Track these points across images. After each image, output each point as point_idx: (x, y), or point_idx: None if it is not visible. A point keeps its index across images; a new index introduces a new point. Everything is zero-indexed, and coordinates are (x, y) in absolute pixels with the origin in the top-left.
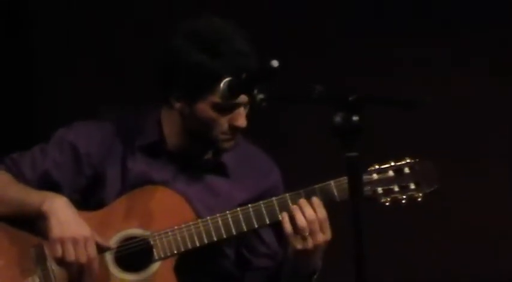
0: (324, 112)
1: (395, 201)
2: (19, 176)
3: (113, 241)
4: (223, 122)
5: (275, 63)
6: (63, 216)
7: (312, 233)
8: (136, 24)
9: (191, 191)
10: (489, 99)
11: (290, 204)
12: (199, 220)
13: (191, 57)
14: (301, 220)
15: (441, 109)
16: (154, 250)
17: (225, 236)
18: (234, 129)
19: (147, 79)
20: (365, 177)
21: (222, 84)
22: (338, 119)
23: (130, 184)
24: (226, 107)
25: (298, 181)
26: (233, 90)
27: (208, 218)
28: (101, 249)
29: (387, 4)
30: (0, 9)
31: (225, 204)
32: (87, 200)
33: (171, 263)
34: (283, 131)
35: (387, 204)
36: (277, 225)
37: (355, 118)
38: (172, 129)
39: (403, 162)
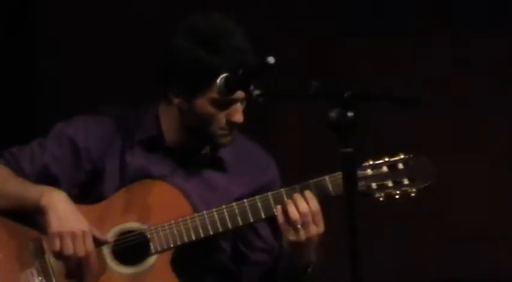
0: (321, 108)
1: (389, 197)
2: (18, 170)
3: (111, 235)
4: (221, 118)
5: (271, 59)
6: (62, 210)
7: (304, 225)
8: (134, 21)
9: (189, 185)
10: (488, 98)
11: (285, 199)
12: (196, 214)
13: (190, 53)
14: (293, 212)
15: (440, 107)
16: (151, 244)
17: (221, 230)
18: (231, 125)
19: (146, 76)
20: (359, 172)
21: (218, 80)
22: (333, 114)
23: (129, 178)
24: (223, 103)
25: (294, 176)
26: (230, 86)
27: (204, 212)
28: (99, 243)
29: (386, 4)
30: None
31: (222, 199)
32: (86, 194)
33: (167, 256)
34: (281, 126)
35: (381, 199)
36: (273, 220)
37: (350, 114)
38: (171, 124)
39: (397, 158)
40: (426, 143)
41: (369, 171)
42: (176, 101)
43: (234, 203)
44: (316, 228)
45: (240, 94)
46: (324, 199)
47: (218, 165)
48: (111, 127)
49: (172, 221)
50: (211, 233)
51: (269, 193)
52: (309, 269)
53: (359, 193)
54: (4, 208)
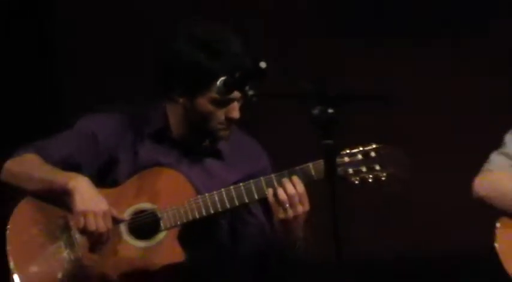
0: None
1: (363, 180)
2: (47, 159)
3: (126, 214)
4: (220, 115)
5: (263, 64)
6: (86, 193)
7: (292, 205)
8: (146, 30)
9: (192, 172)
10: (463, 96)
11: (275, 182)
12: (199, 196)
13: (192, 58)
14: (282, 195)
15: (418, 105)
16: (161, 221)
17: (220, 210)
18: (229, 121)
19: (154, 77)
20: (338, 160)
21: (218, 82)
22: (316, 111)
23: (140, 166)
24: (222, 102)
25: (284, 164)
26: (228, 87)
27: (206, 194)
28: (116, 221)
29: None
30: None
31: (220, 184)
32: (103, 179)
33: (175, 232)
34: (274, 124)
35: (356, 182)
36: (264, 201)
37: (330, 111)
38: (176, 120)
39: (370, 147)
40: (398, 133)
41: (346, 159)
42: (180, 100)
43: (231, 187)
44: (302, 208)
45: (236, 94)
46: (309, 183)
47: (217, 155)
48: (125, 122)
49: (179, 202)
50: (212, 212)
51: (261, 178)
52: (297, 245)
53: (338, 177)
54: (37, 191)
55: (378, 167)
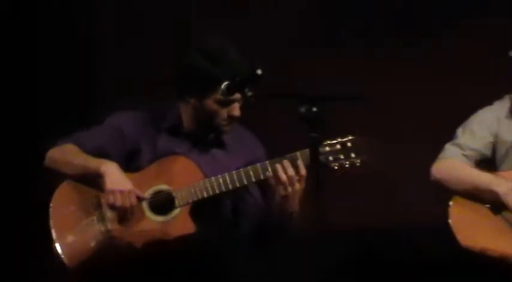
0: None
1: (341, 166)
2: (82, 148)
3: (147, 193)
4: (224, 113)
5: (259, 71)
6: (114, 175)
7: (291, 183)
8: (167, 43)
9: (201, 159)
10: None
11: (269, 167)
12: (207, 179)
13: (200, 66)
14: (282, 175)
15: (383, 102)
16: (175, 200)
17: (224, 190)
18: (231, 118)
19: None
20: (321, 149)
21: (222, 86)
22: (303, 109)
23: (158, 155)
24: (225, 102)
25: (276, 152)
26: (230, 90)
27: (213, 178)
28: (139, 199)
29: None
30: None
31: (224, 169)
32: (128, 165)
33: (187, 209)
34: (269, 120)
35: (336, 167)
36: (261, 183)
37: (314, 109)
38: (188, 117)
39: (347, 139)
40: (370, 127)
41: (327, 148)
42: (191, 101)
43: (233, 172)
44: (299, 185)
45: (237, 96)
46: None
47: (221, 145)
48: (146, 119)
49: (191, 184)
50: (217, 192)
51: (258, 164)
52: (294, 215)
53: (320, 163)
54: (74, 175)
55: (353, 155)
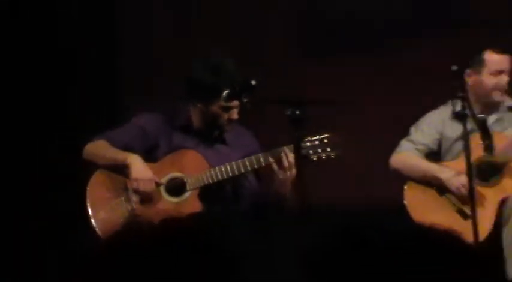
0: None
1: (319, 158)
2: (112, 143)
3: (164, 179)
4: (225, 116)
5: (253, 82)
6: (138, 166)
7: (289, 168)
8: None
9: (207, 153)
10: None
11: (262, 159)
12: (212, 168)
13: (205, 79)
14: (285, 161)
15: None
16: (187, 185)
17: (225, 177)
18: (231, 120)
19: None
20: (302, 144)
21: (224, 94)
22: (288, 112)
23: (173, 148)
24: (226, 108)
25: (267, 147)
26: (230, 97)
27: (216, 167)
28: (158, 184)
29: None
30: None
31: (226, 161)
32: (149, 157)
33: (196, 192)
34: (262, 120)
35: (314, 159)
36: (256, 171)
37: (297, 112)
38: (196, 118)
39: (324, 136)
40: (346, 128)
41: (308, 144)
42: (199, 105)
43: (233, 162)
44: (294, 171)
45: (235, 103)
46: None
47: (223, 141)
48: (163, 119)
49: (199, 172)
50: (220, 178)
51: (253, 156)
52: (287, 195)
53: (302, 156)
54: (106, 165)
55: (329, 149)
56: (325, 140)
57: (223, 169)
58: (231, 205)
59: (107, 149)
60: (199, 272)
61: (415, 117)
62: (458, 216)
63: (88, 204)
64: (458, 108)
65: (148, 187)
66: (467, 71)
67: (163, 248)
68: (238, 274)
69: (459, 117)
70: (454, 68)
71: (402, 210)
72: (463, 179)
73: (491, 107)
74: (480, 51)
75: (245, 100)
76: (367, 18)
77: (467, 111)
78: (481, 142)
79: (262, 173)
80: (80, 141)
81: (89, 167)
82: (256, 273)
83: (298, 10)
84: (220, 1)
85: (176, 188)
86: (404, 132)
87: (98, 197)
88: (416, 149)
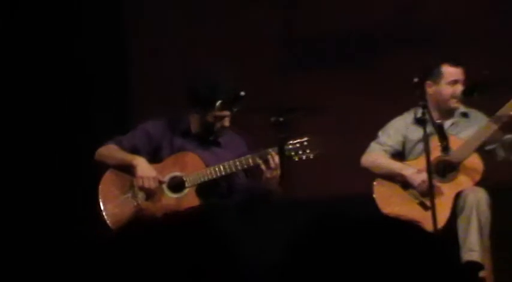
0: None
1: (300, 158)
2: (121, 147)
3: (165, 178)
4: (218, 124)
5: (242, 93)
6: (143, 166)
7: (276, 168)
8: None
9: (203, 154)
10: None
11: (250, 160)
12: (208, 168)
13: (202, 92)
14: (272, 162)
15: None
16: (186, 182)
17: (219, 175)
18: (223, 127)
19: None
20: (286, 147)
21: (217, 104)
22: (273, 118)
23: (174, 151)
24: (219, 116)
25: (255, 148)
26: (223, 107)
27: (212, 167)
28: (160, 182)
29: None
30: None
31: (220, 161)
32: (153, 158)
33: (194, 188)
34: (250, 126)
35: (296, 159)
36: (245, 170)
37: (281, 118)
38: (194, 125)
39: (304, 139)
40: (323, 132)
41: (290, 146)
42: (196, 115)
43: (226, 162)
44: (277, 171)
45: (227, 113)
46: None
47: (218, 144)
48: (166, 125)
49: (196, 171)
50: (215, 176)
51: (242, 157)
52: (274, 191)
53: (285, 156)
54: (115, 165)
55: (308, 150)
56: (305, 143)
57: (217, 168)
58: (225, 198)
59: (116, 152)
60: (199, 258)
61: (382, 122)
62: (419, 208)
63: (100, 200)
64: (419, 114)
65: (152, 185)
66: (428, 82)
67: (165, 238)
68: (231, 258)
69: (420, 122)
70: (416, 79)
71: (372, 203)
72: (424, 176)
73: (448, 113)
74: (438, 64)
75: (235, 109)
76: (343, 36)
77: (427, 117)
78: (439, 144)
79: (251, 171)
80: (93, 146)
81: (101, 168)
82: (246, 256)
83: (279, 33)
84: (215, 20)
85: (176, 185)
86: (373, 136)
87: (108, 194)
88: (384, 150)
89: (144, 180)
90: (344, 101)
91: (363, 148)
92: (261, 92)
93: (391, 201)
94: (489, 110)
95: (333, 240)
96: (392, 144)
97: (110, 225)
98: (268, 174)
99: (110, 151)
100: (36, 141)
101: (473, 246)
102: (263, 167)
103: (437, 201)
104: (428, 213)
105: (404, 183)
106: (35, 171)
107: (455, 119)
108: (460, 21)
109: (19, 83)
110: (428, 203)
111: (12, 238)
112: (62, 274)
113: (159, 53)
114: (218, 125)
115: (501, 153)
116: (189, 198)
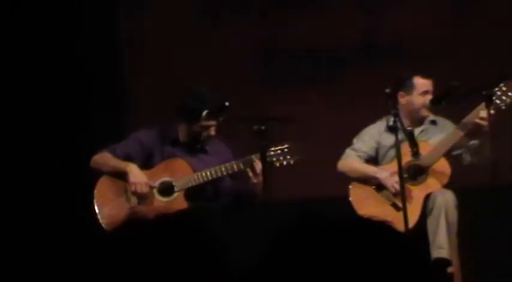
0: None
1: (281, 163)
2: (115, 154)
3: (156, 183)
4: (204, 133)
5: (227, 103)
6: (135, 172)
7: (260, 174)
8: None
9: (191, 161)
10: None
11: (235, 165)
12: (195, 173)
13: (189, 104)
14: (257, 169)
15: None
16: (175, 187)
17: (206, 180)
18: (209, 136)
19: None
20: (267, 153)
21: (203, 114)
22: (255, 127)
23: (164, 158)
24: (205, 126)
25: (239, 155)
26: (208, 117)
27: (199, 172)
28: (151, 187)
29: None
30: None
31: (206, 167)
32: (145, 165)
33: (183, 192)
34: (234, 134)
35: (278, 165)
36: (231, 175)
37: (262, 127)
38: (183, 134)
39: (285, 146)
40: (302, 138)
41: (272, 152)
42: (184, 124)
43: (212, 168)
44: (262, 176)
45: (212, 122)
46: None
47: (205, 152)
48: (158, 134)
49: (185, 176)
50: (202, 181)
51: (227, 163)
52: (258, 194)
53: (267, 162)
54: (110, 172)
55: (288, 156)
56: (286, 150)
57: (204, 174)
58: (211, 201)
59: (110, 159)
60: (187, 256)
61: (356, 129)
62: (392, 209)
63: (95, 204)
64: (391, 122)
65: (143, 189)
66: (401, 93)
67: (156, 237)
68: (218, 256)
69: (392, 129)
70: (387, 90)
71: (348, 204)
72: (396, 178)
73: (418, 121)
74: (410, 76)
75: (221, 119)
76: (317, 54)
77: (398, 125)
78: (410, 149)
79: (236, 176)
80: (92, 145)
81: (96, 174)
82: (231, 254)
83: (259, 52)
84: (206, 41)
85: (166, 189)
86: (348, 142)
87: (103, 198)
88: (358, 155)
89: (136, 186)
90: (321, 111)
91: (339, 154)
92: (244, 104)
93: (365, 203)
94: (456, 118)
95: (311, 239)
96: (366, 150)
97: (105, 226)
98: (254, 180)
99: (105, 159)
100: (36, 141)
101: (442, 244)
102: (250, 174)
103: (408, 202)
104: (400, 214)
105: (378, 186)
106: (35, 170)
107: (425, 126)
108: (425, 34)
109: (19, 83)
110: (400, 204)
111: (12, 238)
112: (60, 271)
113: (153, 59)
114: (205, 134)
115: (467, 158)
116: (178, 202)
